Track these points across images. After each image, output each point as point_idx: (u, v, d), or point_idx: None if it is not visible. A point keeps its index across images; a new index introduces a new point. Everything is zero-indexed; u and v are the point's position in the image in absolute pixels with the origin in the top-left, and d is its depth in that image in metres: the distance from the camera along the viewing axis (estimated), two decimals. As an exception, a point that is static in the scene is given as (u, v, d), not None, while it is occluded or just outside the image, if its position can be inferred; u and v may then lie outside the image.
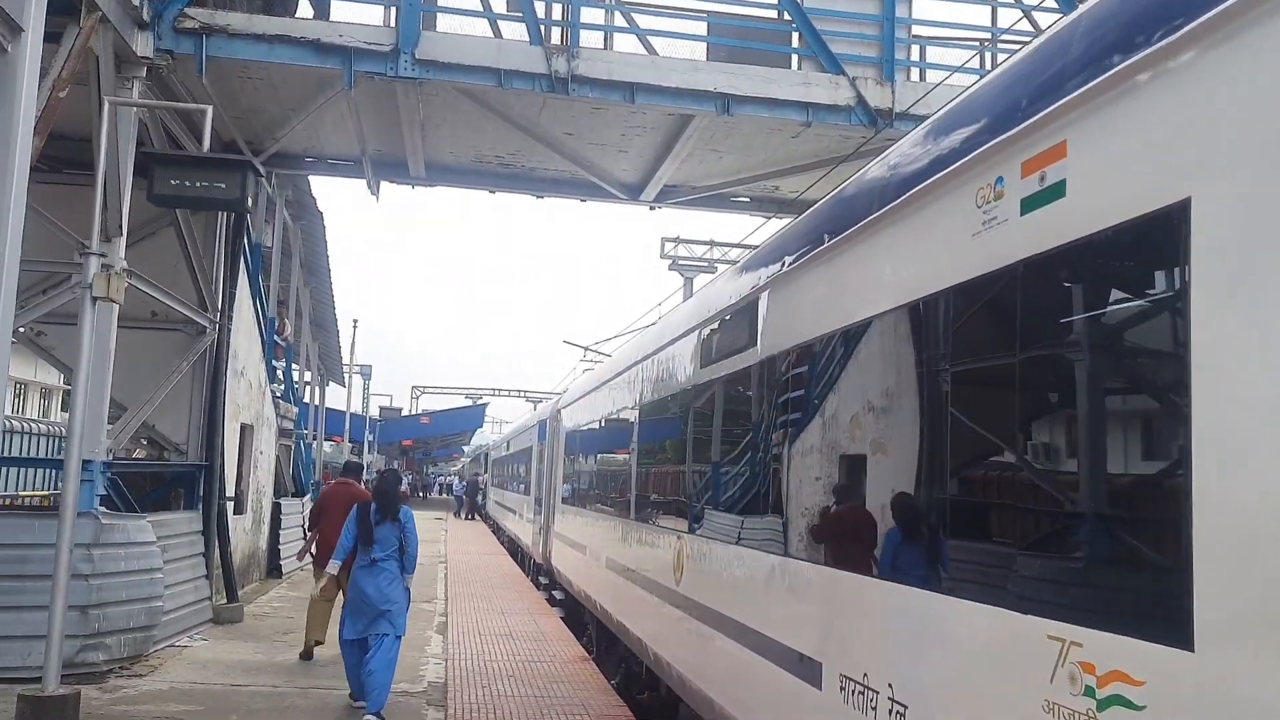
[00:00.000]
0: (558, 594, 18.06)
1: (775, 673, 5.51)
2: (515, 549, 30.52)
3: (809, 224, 5.82)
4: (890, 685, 4.21)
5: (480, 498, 50.06)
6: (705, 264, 32.15)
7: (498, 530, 37.15)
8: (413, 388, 73.66)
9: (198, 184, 8.30)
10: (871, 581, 4.47)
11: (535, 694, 9.78)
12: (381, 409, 53.69)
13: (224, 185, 8.28)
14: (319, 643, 10.97)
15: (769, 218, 14.65)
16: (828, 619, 4.94)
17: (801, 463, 5.45)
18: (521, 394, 78.12)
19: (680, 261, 32.07)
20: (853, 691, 4.56)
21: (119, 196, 9.21)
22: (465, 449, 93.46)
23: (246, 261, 15.44)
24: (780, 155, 12.70)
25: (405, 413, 60.69)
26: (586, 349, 30.90)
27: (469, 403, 68.96)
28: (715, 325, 7.58)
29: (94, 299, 7.83)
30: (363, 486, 12.13)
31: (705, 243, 32.17)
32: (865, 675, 4.45)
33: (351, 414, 44.20)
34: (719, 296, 7.67)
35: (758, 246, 7.54)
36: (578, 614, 15.96)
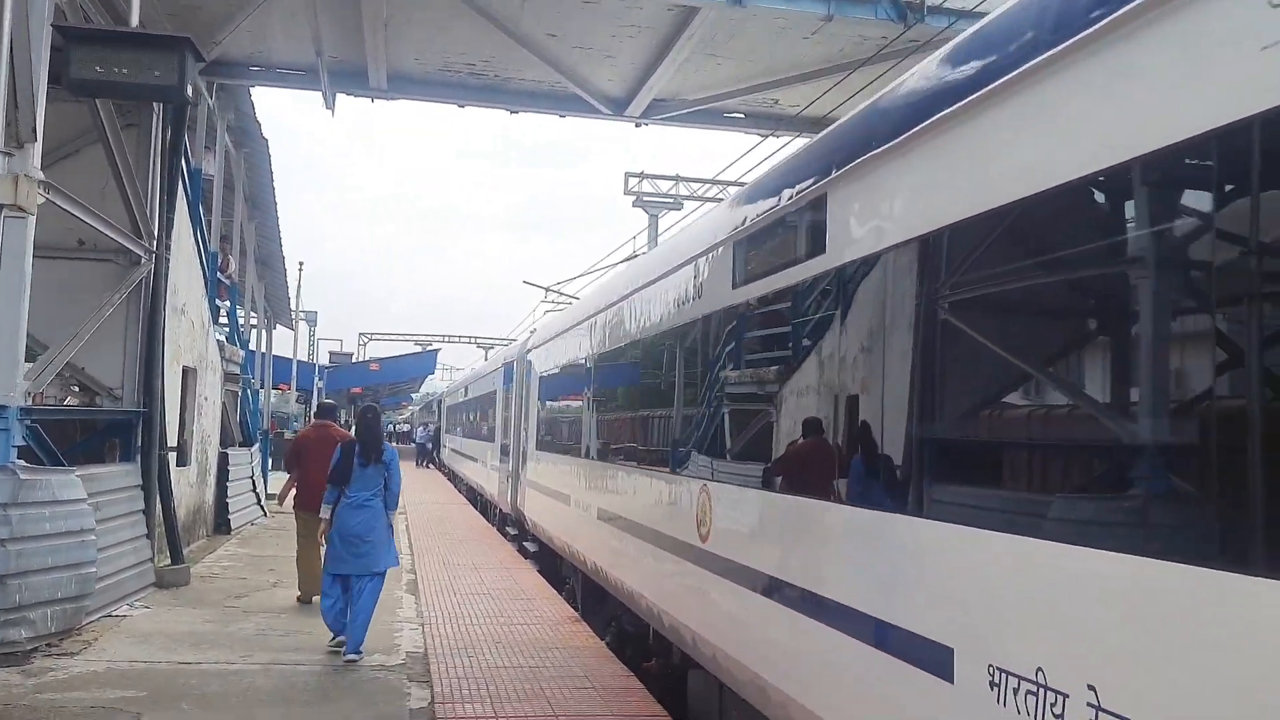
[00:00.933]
0: (529, 545, 16.95)
1: (873, 657, 4.39)
2: (474, 497, 29.38)
3: (922, 81, 4.56)
4: (1094, 688, 3.08)
5: (433, 445, 49.00)
6: (671, 200, 30.91)
7: (454, 478, 35.94)
8: (360, 334, 71.50)
9: (125, 68, 6.80)
10: (1064, 550, 3.31)
11: (529, 664, 8.63)
12: (332, 354, 51.90)
13: (158, 70, 6.83)
14: (309, 600, 10.90)
15: (765, 135, 13.39)
16: (969, 594, 3.80)
17: (908, 386, 4.26)
18: (472, 340, 76.70)
19: (645, 198, 30.79)
20: (1013, 690, 3.44)
21: (31, 91, 7.71)
22: (414, 396, 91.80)
23: (185, 186, 13.86)
24: (786, 62, 11.42)
25: (354, 360, 58.94)
26: (548, 289, 29.55)
27: (419, 349, 67.34)
28: (755, 235, 6.35)
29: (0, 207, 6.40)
30: (340, 428, 11.88)
31: (671, 178, 30.89)
32: (1041, 672, 3.32)
33: (299, 361, 42.51)
34: (755, 206, 6.43)
35: (759, 168, 6.30)
36: (553, 565, 14.89)
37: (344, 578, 8.74)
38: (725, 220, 7.09)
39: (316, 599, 10.84)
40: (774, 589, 5.61)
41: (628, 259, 28.18)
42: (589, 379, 11.35)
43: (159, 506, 11.90)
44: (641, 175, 30.92)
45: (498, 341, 75.12)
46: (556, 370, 13.61)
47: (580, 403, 11.84)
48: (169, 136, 12.20)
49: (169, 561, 12.07)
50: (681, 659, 8.09)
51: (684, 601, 7.40)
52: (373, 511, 8.77)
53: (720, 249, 6.99)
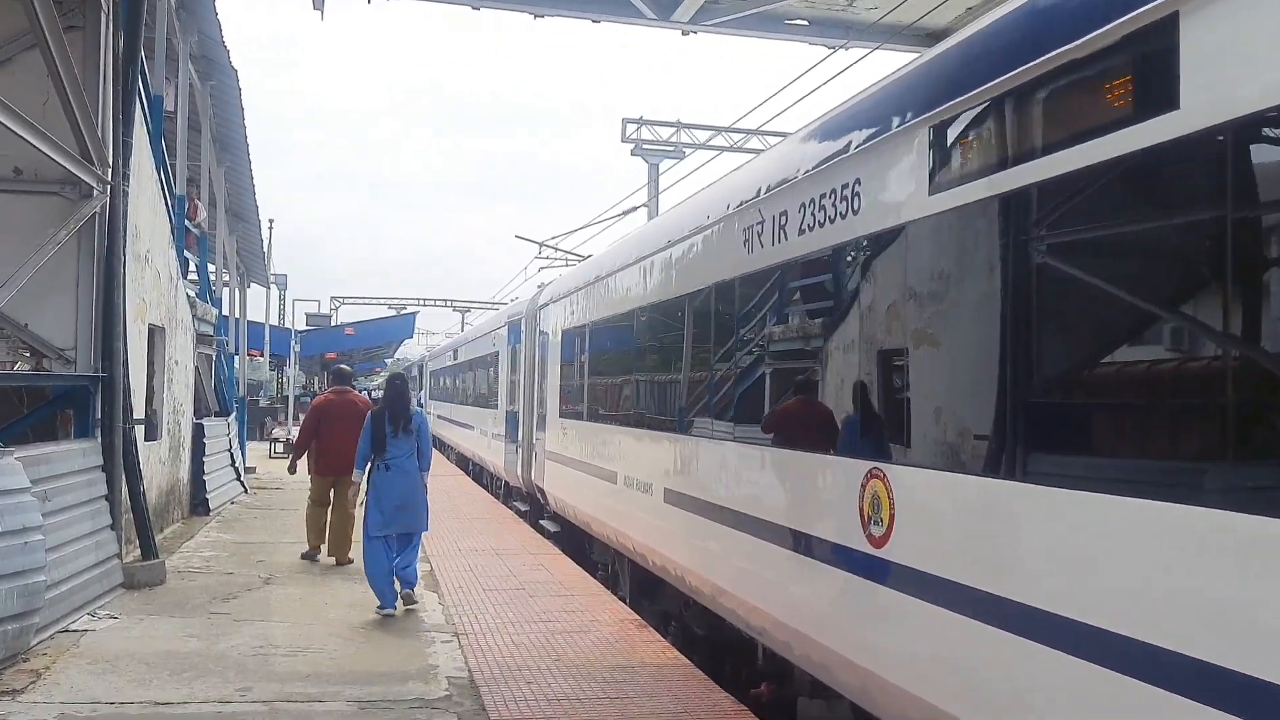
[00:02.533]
0: (548, 524, 15.09)
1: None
2: (465, 464, 27.47)
3: None
4: None
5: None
6: (672, 149, 28.87)
7: (440, 445, 33.96)
8: (332, 298, 68.89)
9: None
10: None
11: (606, 693, 6.74)
12: (309, 316, 49.54)
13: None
14: (315, 554, 11.43)
15: (834, 48, 11.39)
16: None
17: None
18: (449, 303, 74.60)
19: (645, 146, 28.76)
20: None
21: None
22: (388, 362, 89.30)
23: (145, 110, 11.75)
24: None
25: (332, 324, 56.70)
26: (542, 245, 27.43)
27: (393, 313, 65.10)
28: (977, 113, 4.42)
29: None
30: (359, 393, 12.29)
31: (671, 124, 28.84)
32: None
33: (271, 326, 40.31)
34: (975, 68, 4.50)
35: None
36: (577, 546, 13.15)
37: (387, 539, 8.96)
38: (897, 101, 5.14)
39: (321, 559, 11.42)
40: (1017, 619, 3.74)
41: (627, 212, 26.16)
42: (651, 330, 9.39)
43: (125, 490, 9.91)
44: (640, 121, 28.82)
45: (475, 305, 72.92)
46: (593, 323, 11.63)
47: (635, 361, 9.89)
48: (122, 43, 10.07)
49: (139, 556, 10.10)
50: (813, 687, 6.26)
51: (838, 626, 5.52)
52: (410, 476, 9.08)
53: (896, 141, 5.05)
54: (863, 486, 5.22)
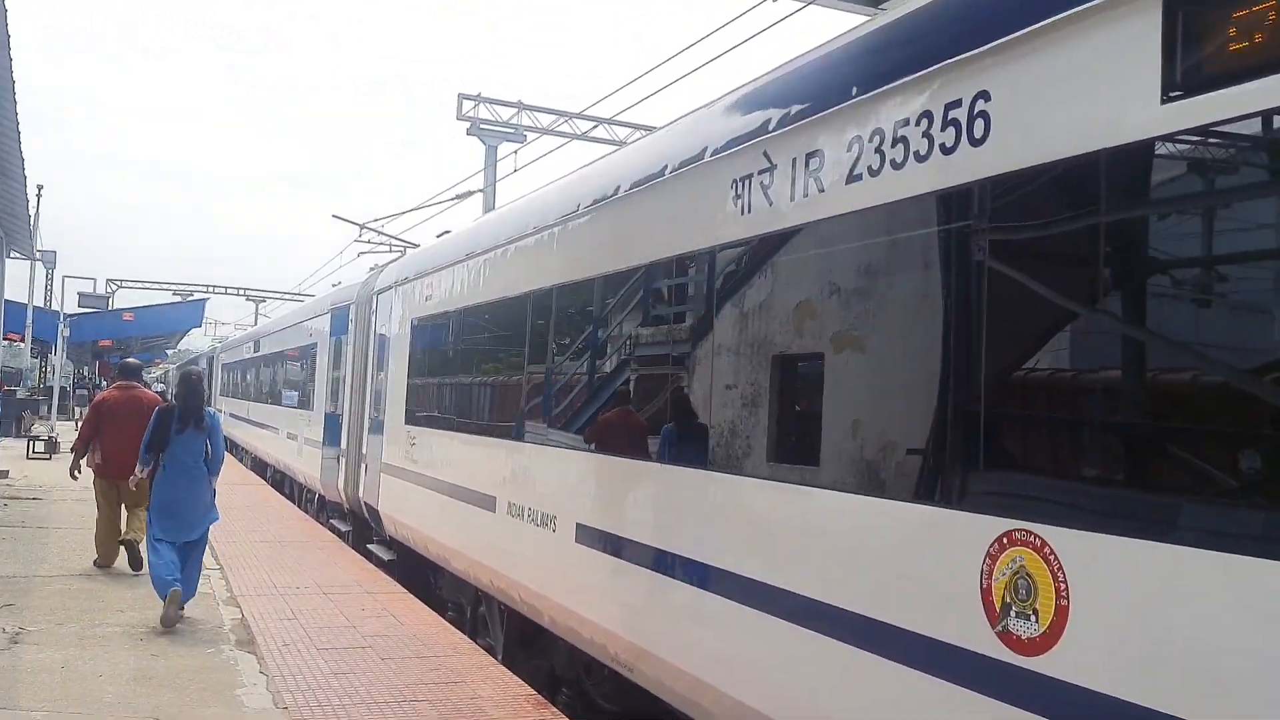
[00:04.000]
0: (378, 549, 12.72)
1: None
2: (264, 469, 24.44)
3: None
4: None
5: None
6: (512, 130, 26.76)
7: (234, 448, 30.45)
8: (109, 280, 62.52)
9: None
10: None
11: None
12: (82, 295, 44.18)
13: None
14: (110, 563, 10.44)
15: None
16: None
17: None
18: (241, 292, 69.86)
19: (482, 126, 26.52)
20: None
21: None
22: (169, 353, 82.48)
23: None
24: None
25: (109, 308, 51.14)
26: (364, 227, 24.63)
27: (178, 299, 59.79)
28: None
29: None
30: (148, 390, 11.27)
31: (513, 104, 26.68)
32: None
33: (36, 307, 35.51)
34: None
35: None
36: (414, 573, 11.19)
37: (171, 542, 8.49)
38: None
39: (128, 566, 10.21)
40: None
41: (462, 196, 23.76)
42: (563, 318, 7.31)
43: None
44: (479, 99, 26.49)
45: (271, 295, 68.04)
46: (466, 309, 9.38)
47: (536, 356, 7.77)
48: None
49: None
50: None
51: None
52: (194, 478, 8.62)
53: (1092, 22, 3.27)
54: (991, 559, 3.41)
